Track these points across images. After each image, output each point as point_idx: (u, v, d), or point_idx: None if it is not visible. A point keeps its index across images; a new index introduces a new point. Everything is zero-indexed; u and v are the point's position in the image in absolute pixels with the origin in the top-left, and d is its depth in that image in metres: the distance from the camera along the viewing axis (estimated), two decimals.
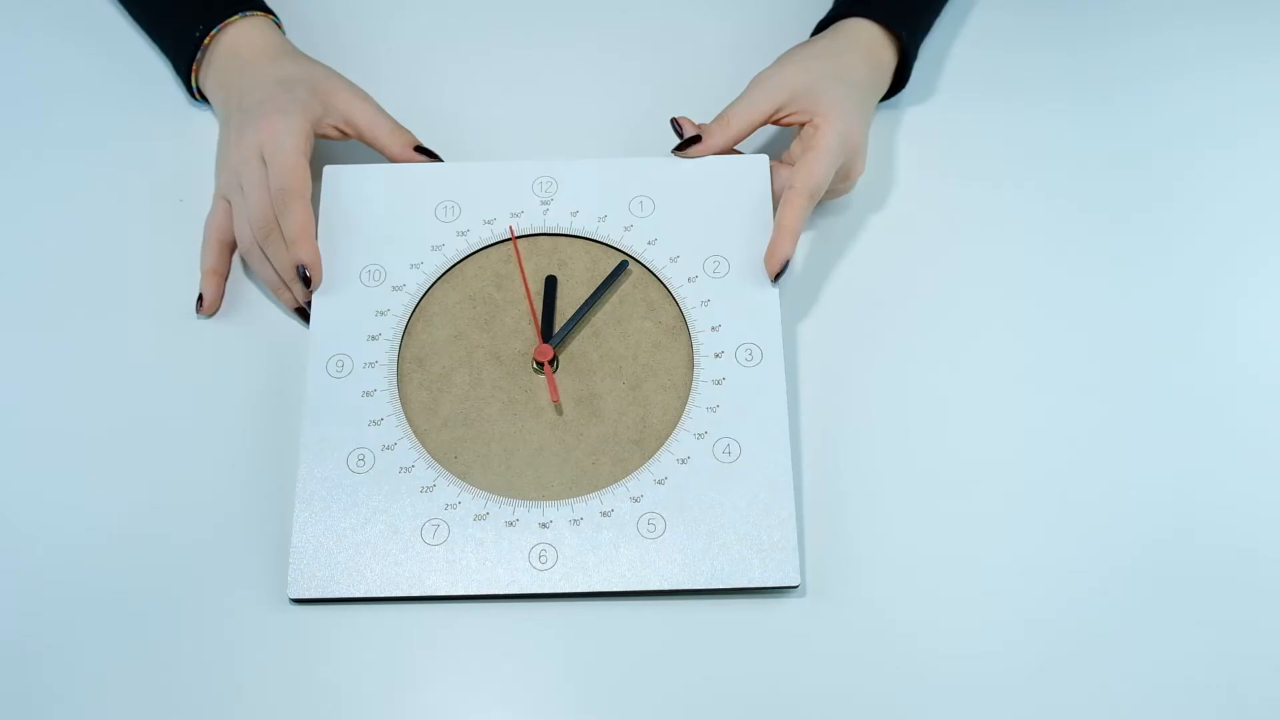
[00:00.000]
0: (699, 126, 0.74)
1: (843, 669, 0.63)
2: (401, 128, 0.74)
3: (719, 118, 0.73)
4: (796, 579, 0.63)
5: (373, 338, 0.69)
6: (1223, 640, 0.64)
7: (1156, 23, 0.86)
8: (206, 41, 0.76)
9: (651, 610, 0.64)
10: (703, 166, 0.73)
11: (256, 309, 0.73)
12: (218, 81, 0.76)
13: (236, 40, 0.76)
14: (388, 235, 0.72)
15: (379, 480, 0.65)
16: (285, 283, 0.71)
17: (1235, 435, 0.70)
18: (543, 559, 0.64)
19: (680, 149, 0.73)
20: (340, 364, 0.69)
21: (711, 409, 0.67)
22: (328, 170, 0.73)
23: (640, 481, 0.65)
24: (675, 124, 0.75)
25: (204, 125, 0.80)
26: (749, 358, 0.68)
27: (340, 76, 0.75)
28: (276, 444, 0.68)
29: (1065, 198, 0.78)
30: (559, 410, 0.67)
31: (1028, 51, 0.85)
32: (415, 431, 0.67)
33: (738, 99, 0.73)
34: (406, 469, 0.66)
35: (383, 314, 0.70)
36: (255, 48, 0.76)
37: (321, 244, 0.71)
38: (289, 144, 0.70)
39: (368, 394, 0.68)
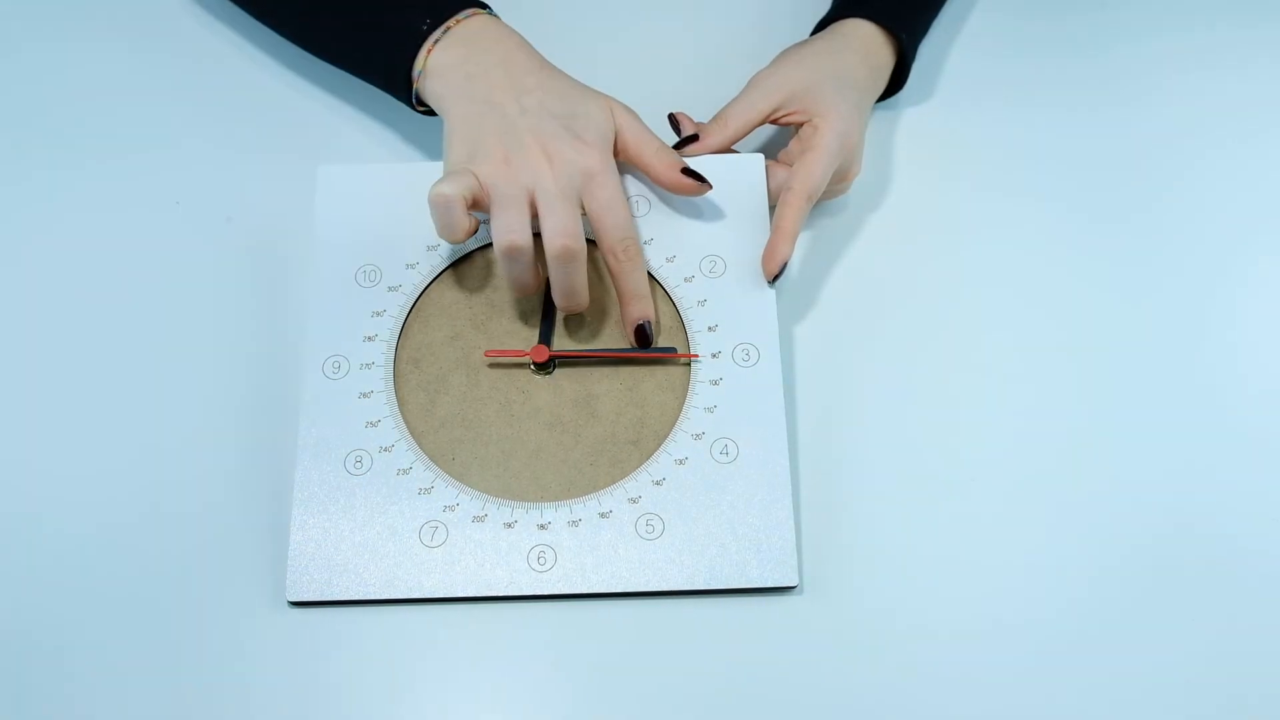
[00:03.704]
0: (696, 126, 0.73)
1: (841, 669, 0.63)
2: (668, 148, 0.71)
3: (717, 117, 0.73)
4: (795, 579, 0.63)
5: (369, 339, 0.69)
6: (1222, 639, 0.64)
7: (1155, 25, 0.86)
8: (452, 24, 0.70)
9: (650, 611, 0.64)
10: (699, 166, 0.73)
11: (252, 311, 0.73)
12: (467, 59, 0.69)
13: (486, 26, 0.71)
14: (383, 236, 0.72)
15: (376, 482, 0.65)
16: (538, 288, 0.69)
17: (1235, 435, 0.70)
18: (541, 560, 0.64)
19: (677, 148, 0.73)
20: (336, 365, 0.68)
21: (709, 409, 0.67)
22: (322, 170, 0.73)
23: (638, 482, 0.65)
24: (673, 120, 0.74)
25: (201, 126, 0.80)
26: (746, 358, 0.68)
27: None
28: (273, 446, 0.68)
29: (1063, 199, 0.79)
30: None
31: (1026, 53, 0.85)
32: (413, 433, 0.67)
33: (736, 99, 0.73)
34: (404, 471, 0.66)
35: (379, 315, 0.70)
36: (512, 40, 0.71)
37: (317, 244, 0.71)
38: (622, 199, 0.67)
39: (364, 395, 0.68)
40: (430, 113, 0.72)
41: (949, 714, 0.62)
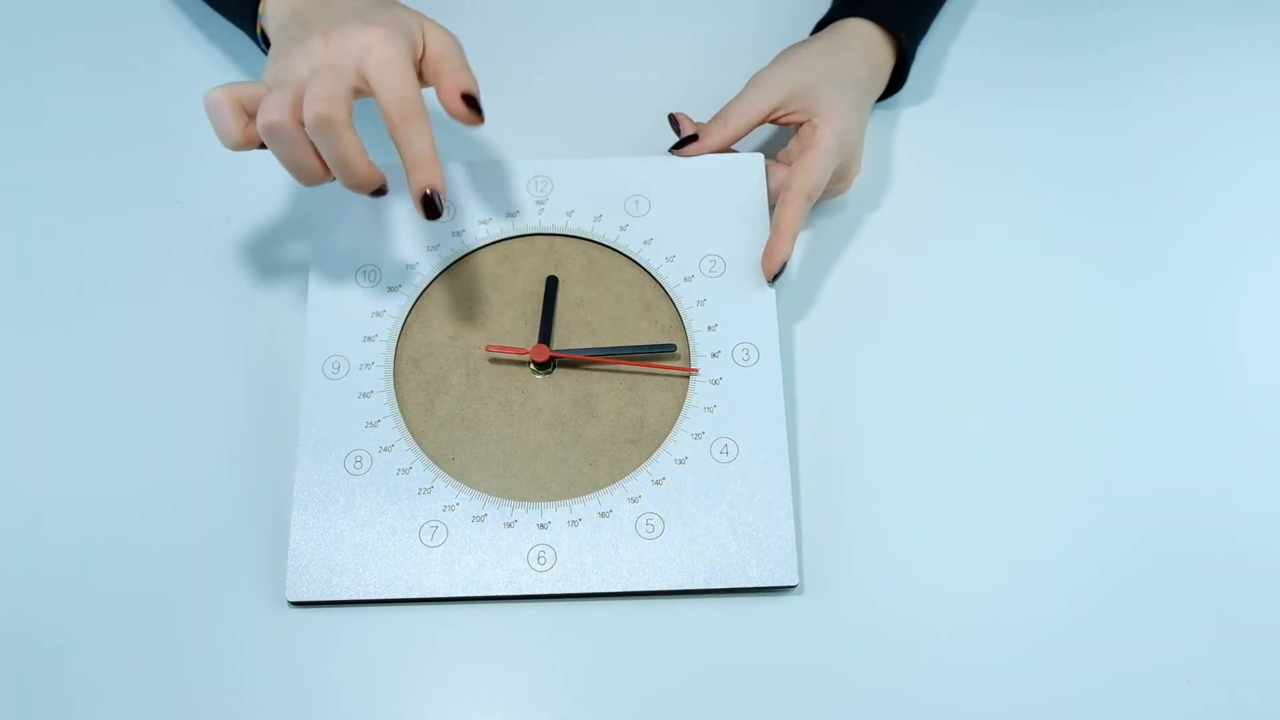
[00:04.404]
0: (696, 126, 0.73)
1: (841, 668, 0.63)
2: (467, 71, 0.66)
3: (716, 117, 0.73)
4: (795, 578, 0.63)
5: (369, 339, 0.69)
6: (1221, 639, 0.64)
7: (1155, 25, 0.86)
8: None
9: (650, 610, 0.64)
10: (698, 166, 0.73)
11: (252, 312, 0.73)
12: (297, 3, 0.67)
13: None
14: (383, 236, 0.72)
15: (377, 482, 0.65)
16: (323, 172, 0.64)
17: (1235, 435, 0.70)
18: (541, 560, 0.64)
19: (677, 148, 0.73)
20: (336, 365, 0.68)
21: (709, 409, 0.67)
22: None
23: (638, 482, 0.65)
24: (673, 120, 0.74)
25: (201, 126, 0.80)
26: (746, 357, 0.68)
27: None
28: (273, 447, 0.68)
29: (1063, 199, 0.79)
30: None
31: (1026, 53, 0.85)
32: (412, 433, 0.67)
33: (735, 98, 0.73)
34: (404, 470, 0.66)
35: (379, 315, 0.70)
36: None
37: (316, 246, 0.71)
38: (400, 61, 0.62)
39: (364, 395, 0.68)
40: None
41: (949, 714, 0.62)
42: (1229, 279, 0.76)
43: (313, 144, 0.62)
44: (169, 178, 0.78)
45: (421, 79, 0.66)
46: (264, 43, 0.71)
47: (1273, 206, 0.79)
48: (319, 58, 0.62)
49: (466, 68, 0.66)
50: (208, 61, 0.83)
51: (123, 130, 0.80)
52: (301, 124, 0.61)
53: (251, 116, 0.63)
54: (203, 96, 0.62)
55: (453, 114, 0.66)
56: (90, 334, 0.72)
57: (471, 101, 0.65)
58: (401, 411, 0.67)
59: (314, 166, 0.63)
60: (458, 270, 0.72)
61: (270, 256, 0.75)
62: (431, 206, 0.64)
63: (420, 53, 0.65)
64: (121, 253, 0.75)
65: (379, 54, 0.62)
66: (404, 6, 0.66)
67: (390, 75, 0.62)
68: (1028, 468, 0.69)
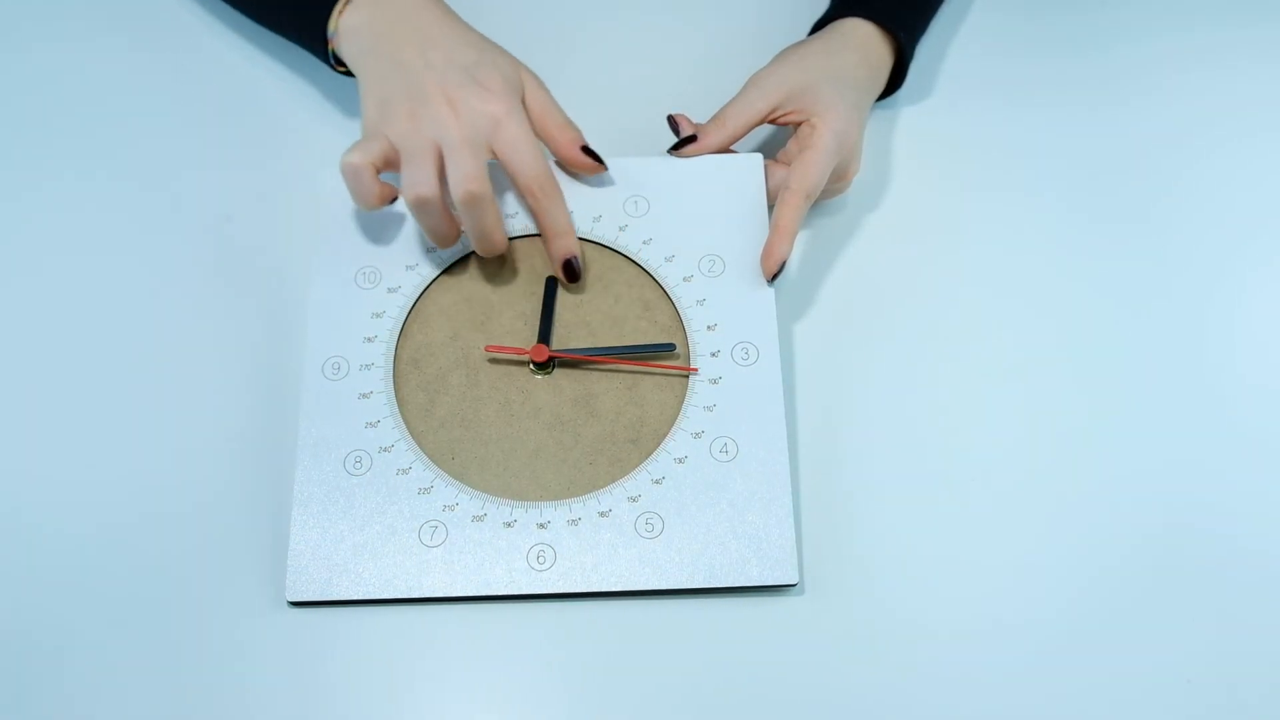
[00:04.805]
0: (695, 126, 0.74)
1: (841, 667, 0.63)
2: (571, 123, 0.71)
3: (715, 117, 0.73)
4: (795, 577, 0.63)
5: (368, 340, 0.69)
6: (1221, 639, 0.64)
7: (1154, 25, 0.86)
8: None
9: (650, 610, 0.64)
10: (697, 166, 0.73)
11: (252, 312, 0.73)
12: (374, 18, 0.70)
13: None
14: (383, 237, 0.72)
15: (376, 482, 0.65)
16: (458, 236, 0.70)
17: (1235, 435, 0.70)
18: (541, 559, 0.64)
19: (676, 149, 0.73)
20: (336, 366, 0.68)
21: (708, 408, 0.67)
22: (322, 173, 0.73)
23: (638, 481, 0.65)
24: (672, 120, 0.75)
25: (201, 127, 0.80)
26: (745, 357, 0.68)
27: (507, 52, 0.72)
28: (273, 446, 0.68)
29: (1062, 199, 0.79)
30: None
31: (1024, 53, 0.85)
32: (412, 433, 0.67)
33: (734, 99, 0.73)
34: (404, 470, 0.66)
35: (378, 316, 0.70)
36: None
37: (316, 247, 0.71)
38: (529, 137, 0.67)
39: (364, 396, 0.68)
40: (350, 73, 0.72)
41: (949, 713, 0.62)
42: (1229, 279, 0.76)
43: (453, 213, 0.68)
44: (169, 178, 0.78)
45: None
46: (333, 58, 0.73)
47: (1273, 206, 0.79)
48: (451, 130, 0.66)
49: (567, 118, 0.71)
50: (210, 60, 0.83)
51: (123, 130, 0.80)
52: (445, 195, 0.66)
53: (379, 171, 0.67)
54: (340, 163, 0.66)
55: (574, 168, 0.71)
56: (90, 334, 0.72)
57: (590, 152, 0.71)
58: (401, 412, 0.68)
59: (453, 234, 0.69)
60: (457, 271, 0.72)
61: (270, 257, 0.75)
62: (572, 271, 0.69)
63: (521, 95, 0.70)
64: (121, 252, 0.75)
65: (510, 132, 0.67)
66: (497, 49, 0.70)
67: (524, 154, 0.67)
68: (1027, 467, 0.69)
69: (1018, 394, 0.71)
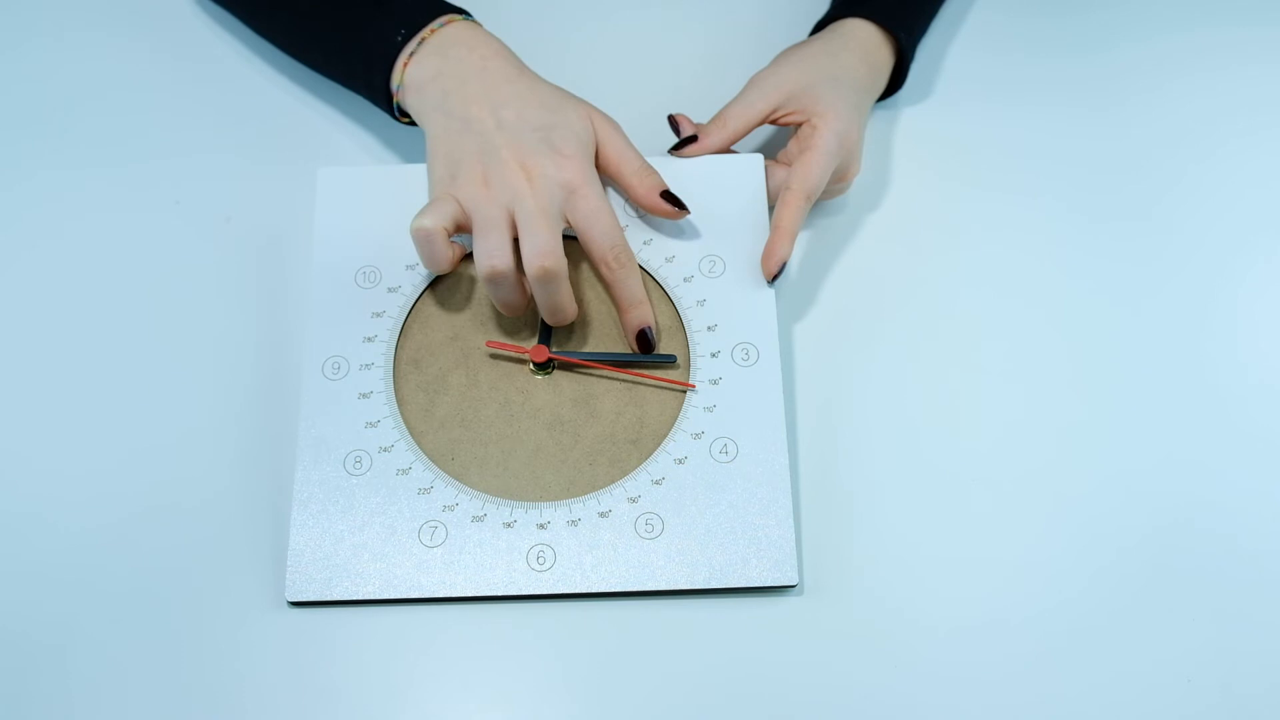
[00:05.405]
0: (696, 127, 0.74)
1: (841, 668, 0.63)
2: (650, 168, 0.69)
3: (716, 118, 0.73)
4: (795, 578, 0.63)
5: (368, 340, 0.69)
6: (1221, 636, 0.64)
7: (1155, 25, 0.86)
8: (427, 35, 0.69)
9: (650, 610, 0.64)
10: (697, 166, 0.73)
11: (252, 312, 0.73)
12: (442, 72, 0.68)
13: (462, 35, 0.69)
14: (383, 237, 0.72)
15: (376, 482, 0.65)
16: (528, 306, 0.69)
17: (1234, 433, 0.70)
18: (541, 560, 0.64)
19: (677, 149, 0.73)
20: (336, 366, 0.68)
21: (708, 409, 0.67)
22: (322, 172, 0.73)
23: (638, 482, 0.65)
24: (673, 121, 0.75)
25: (202, 127, 0.80)
26: (745, 357, 0.68)
27: (583, 100, 0.70)
28: (273, 446, 0.68)
29: (1063, 199, 0.79)
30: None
31: (1025, 53, 0.85)
32: (412, 433, 0.67)
33: (735, 99, 0.73)
34: (404, 471, 0.66)
35: (378, 316, 0.70)
36: (488, 47, 0.69)
37: (316, 246, 0.71)
38: (606, 207, 0.66)
39: (364, 396, 0.68)
40: (414, 124, 0.72)
41: (949, 713, 0.62)
42: (1229, 278, 0.76)
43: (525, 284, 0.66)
44: (169, 178, 0.78)
45: (597, 166, 0.69)
46: (398, 110, 0.71)
47: (1273, 206, 0.79)
48: (526, 199, 0.65)
49: (645, 162, 0.69)
50: (210, 61, 0.83)
51: (123, 130, 0.80)
52: (519, 267, 0.65)
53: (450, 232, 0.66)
54: (411, 228, 0.65)
55: (656, 214, 0.70)
56: (90, 334, 0.72)
57: (671, 197, 0.68)
58: (401, 412, 0.68)
59: (524, 304, 0.68)
60: (458, 271, 0.72)
61: (270, 256, 0.75)
62: (646, 342, 0.68)
63: (594, 153, 0.69)
64: (121, 252, 0.75)
65: (587, 203, 0.66)
66: (569, 102, 0.69)
67: (600, 225, 0.66)
68: (1027, 467, 0.69)
69: (1017, 394, 0.71)
